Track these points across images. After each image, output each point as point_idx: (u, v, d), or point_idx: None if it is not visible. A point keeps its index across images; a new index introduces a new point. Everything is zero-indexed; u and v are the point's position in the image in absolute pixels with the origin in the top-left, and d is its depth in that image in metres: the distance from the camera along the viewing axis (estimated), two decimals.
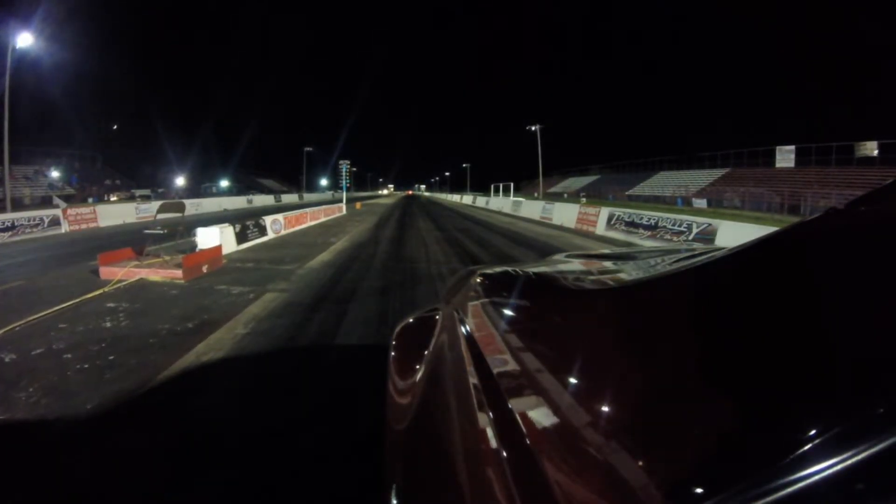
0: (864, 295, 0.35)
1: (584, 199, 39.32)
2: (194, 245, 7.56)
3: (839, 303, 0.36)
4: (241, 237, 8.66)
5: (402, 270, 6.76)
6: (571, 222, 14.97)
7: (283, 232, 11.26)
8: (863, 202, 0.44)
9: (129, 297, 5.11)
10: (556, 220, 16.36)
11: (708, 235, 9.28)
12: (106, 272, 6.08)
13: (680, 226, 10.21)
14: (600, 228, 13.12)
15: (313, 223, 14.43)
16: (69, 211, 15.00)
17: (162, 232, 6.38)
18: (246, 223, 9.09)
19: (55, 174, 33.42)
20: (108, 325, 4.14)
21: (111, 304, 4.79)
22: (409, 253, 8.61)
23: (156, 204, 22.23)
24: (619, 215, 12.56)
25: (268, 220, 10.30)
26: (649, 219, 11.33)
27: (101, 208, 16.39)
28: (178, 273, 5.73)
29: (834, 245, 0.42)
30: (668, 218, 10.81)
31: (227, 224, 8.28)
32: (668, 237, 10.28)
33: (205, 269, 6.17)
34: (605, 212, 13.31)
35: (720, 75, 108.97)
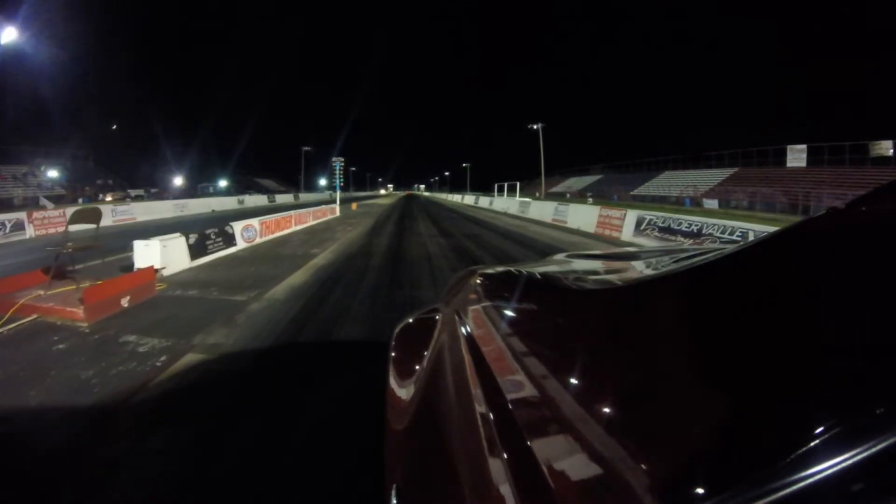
0: (864, 295, 0.34)
1: (590, 200, 37.73)
2: (131, 264, 5.90)
3: (839, 302, 0.35)
4: (196, 250, 6.90)
5: (400, 304, 4.92)
6: (590, 226, 13.29)
7: (259, 240, 9.51)
8: (863, 202, 0.42)
9: None
10: (572, 224, 14.68)
11: None
12: (3, 305, 4.42)
13: (732, 234, 8.51)
14: (627, 234, 11.43)
15: (298, 227, 12.70)
16: (35, 214, 13.50)
17: (67, 250, 4.68)
18: (206, 232, 7.30)
19: (50, 174, 32.17)
20: None
21: None
22: (408, 271, 6.87)
23: (135, 205, 20.53)
24: (650, 219, 10.85)
25: (237, 227, 8.48)
26: (690, 224, 9.64)
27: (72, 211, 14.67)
28: (79, 312, 4.03)
29: (834, 245, 0.42)
30: (713, 224, 9.11)
31: (177, 234, 6.54)
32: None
33: (125, 302, 4.45)
34: (632, 214, 11.60)
35: (722, 74, 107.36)
